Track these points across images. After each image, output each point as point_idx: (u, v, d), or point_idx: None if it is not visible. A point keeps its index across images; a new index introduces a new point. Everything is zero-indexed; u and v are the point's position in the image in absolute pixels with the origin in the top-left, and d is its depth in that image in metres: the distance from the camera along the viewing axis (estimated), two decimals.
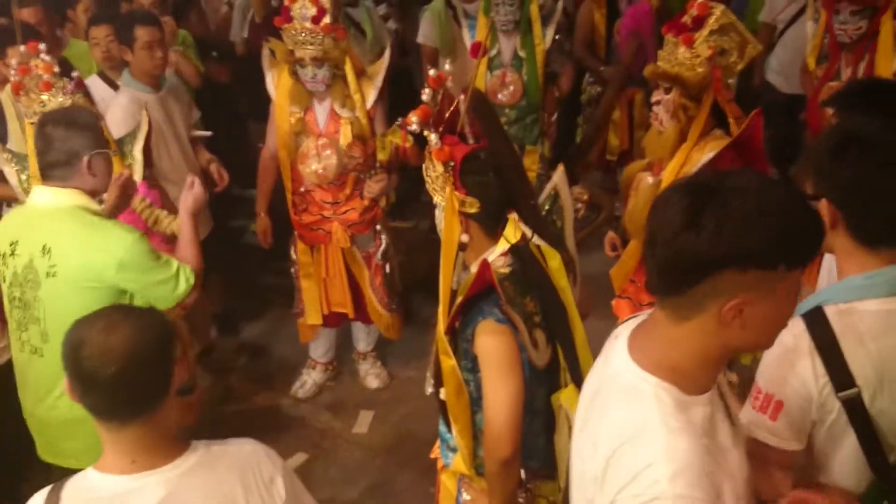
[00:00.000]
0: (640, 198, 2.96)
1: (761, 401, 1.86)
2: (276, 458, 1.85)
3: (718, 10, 2.84)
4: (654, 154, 2.97)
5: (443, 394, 2.24)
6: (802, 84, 4.03)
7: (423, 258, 4.77)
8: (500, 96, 4.57)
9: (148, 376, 1.69)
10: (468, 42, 4.66)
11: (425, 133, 2.14)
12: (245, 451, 1.82)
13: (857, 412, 1.80)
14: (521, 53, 4.56)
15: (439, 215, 2.25)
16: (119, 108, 3.72)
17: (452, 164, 2.16)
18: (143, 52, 3.82)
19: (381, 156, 3.69)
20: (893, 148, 1.77)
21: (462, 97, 2.16)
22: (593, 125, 5.12)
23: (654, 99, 2.92)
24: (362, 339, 4.31)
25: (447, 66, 2.27)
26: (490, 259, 2.17)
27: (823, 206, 1.82)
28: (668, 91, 2.87)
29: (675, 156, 2.84)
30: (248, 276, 5.16)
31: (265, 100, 3.91)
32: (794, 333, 1.80)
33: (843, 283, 1.85)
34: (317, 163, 3.72)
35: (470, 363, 2.16)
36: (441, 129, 2.16)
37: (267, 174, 3.99)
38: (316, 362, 4.31)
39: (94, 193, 2.72)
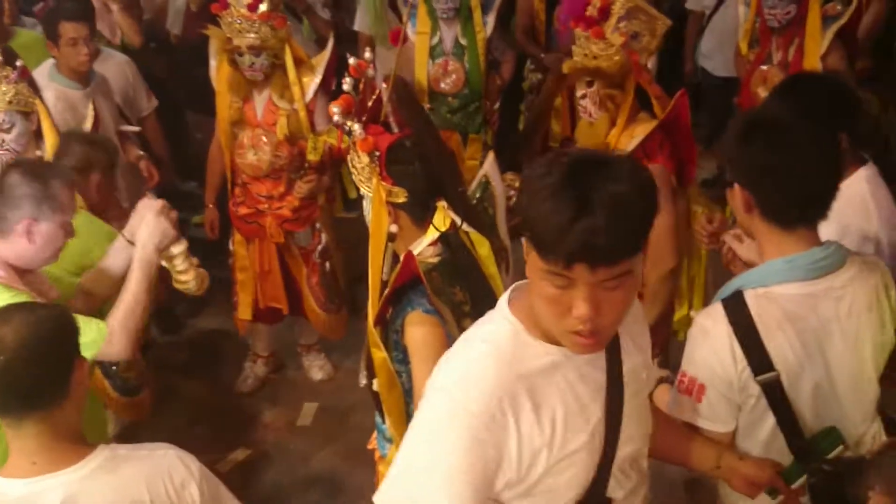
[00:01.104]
0: None
1: (686, 383, 1.90)
2: (191, 463, 1.82)
3: None
4: (588, 144, 2.99)
5: (376, 385, 2.23)
6: (736, 68, 4.09)
7: None
8: (442, 84, 4.56)
9: (39, 371, 1.65)
10: (410, 30, 4.63)
11: (348, 123, 2.13)
12: (155, 457, 1.79)
13: (776, 395, 1.84)
14: (463, 41, 4.54)
15: (367, 206, 2.24)
16: (51, 102, 3.63)
17: (377, 154, 2.15)
18: (68, 49, 3.75)
19: (312, 157, 3.65)
20: (797, 128, 1.81)
21: (384, 86, 2.15)
22: (535, 112, 5.12)
23: (579, 93, 2.94)
24: (306, 331, 4.28)
25: (367, 55, 2.25)
26: (419, 249, 2.17)
27: (737, 192, 1.86)
28: (590, 84, 2.88)
29: (606, 142, 2.86)
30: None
31: (202, 90, 3.86)
32: (714, 318, 1.84)
33: (763, 267, 1.88)
34: (252, 154, 3.68)
35: (401, 354, 2.15)
36: (364, 118, 2.15)
37: (215, 165, 3.95)
38: (257, 356, 4.27)
39: (29, 262, 2.34)
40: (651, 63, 3.00)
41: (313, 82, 3.71)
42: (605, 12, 2.86)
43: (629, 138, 2.80)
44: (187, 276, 2.49)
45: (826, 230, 1.91)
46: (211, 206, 4.05)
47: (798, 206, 1.83)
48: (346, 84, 2.14)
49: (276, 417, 4.05)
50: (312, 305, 4.00)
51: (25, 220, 2.26)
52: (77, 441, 1.73)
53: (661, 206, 2.70)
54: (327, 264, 3.99)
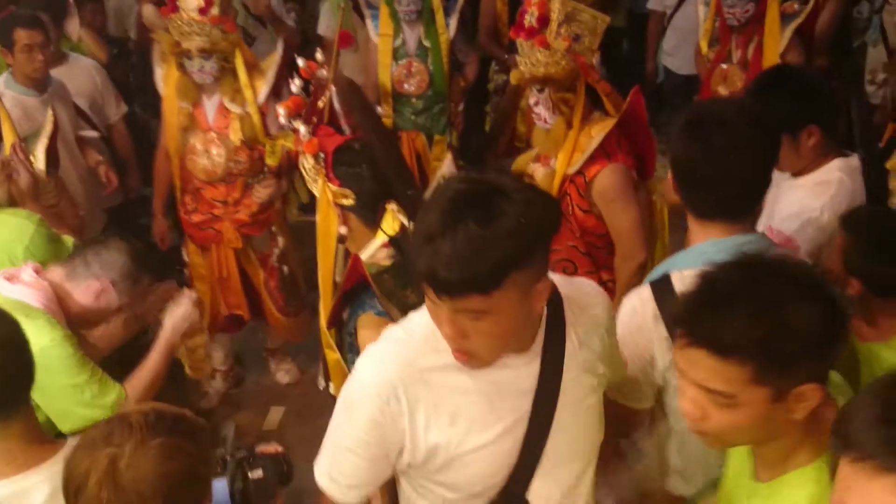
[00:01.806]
0: (538, 185, 2.96)
1: None
2: None
3: (556, 1, 2.79)
4: (547, 150, 2.97)
5: (332, 388, 2.22)
6: (696, 66, 4.12)
7: None
8: (406, 86, 4.55)
9: (27, 368, 1.68)
10: (372, 33, 4.62)
11: (294, 124, 2.12)
12: None
13: None
14: (426, 43, 4.54)
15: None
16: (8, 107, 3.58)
17: (323, 155, 2.14)
18: (22, 56, 3.70)
19: (270, 161, 3.61)
20: (731, 129, 1.82)
21: (334, 88, 2.14)
22: (500, 113, 5.14)
23: (531, 101, 2.91)
24: (271, 335, 4.25)
25: (317, 56, 2.24)
26: (371, 250, 2.16)
27: (669, 179, 1.92)
28: (541, 91, 2.86)
29: (565, 144, 2.85)
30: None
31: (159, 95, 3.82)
32: (642, 299, 1.88)
33: (690, 251, 1.92)
34: (205, 159, 3.64)
35: (354, 356, 2.13)
36: (314, 120, 2.14)
37: (161, 172, 3.90)
38: (215, 370, 4.17)
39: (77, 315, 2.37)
40: (595, 60, 3.00)
41: (265, 85, 3.68)
42: (543, 20, 2.82)
43: (587, 138, 2.81)
44: (203, 365, 2.66)
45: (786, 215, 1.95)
46: (159, 216, 4.00)
47: (715, 202, 1.88)
48: (295, 86, 2.13)
49: (242, 423, 4.01)
50: (272, 310, 3.97)
51: (107, 280, 2.37)
52: (46, 436, 1.75)
53: (625, 203, 2.76)
54: (285, 268, 3.96)
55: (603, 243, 2.88)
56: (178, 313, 2.51)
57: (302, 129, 2.10)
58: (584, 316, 1.64)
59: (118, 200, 4.33)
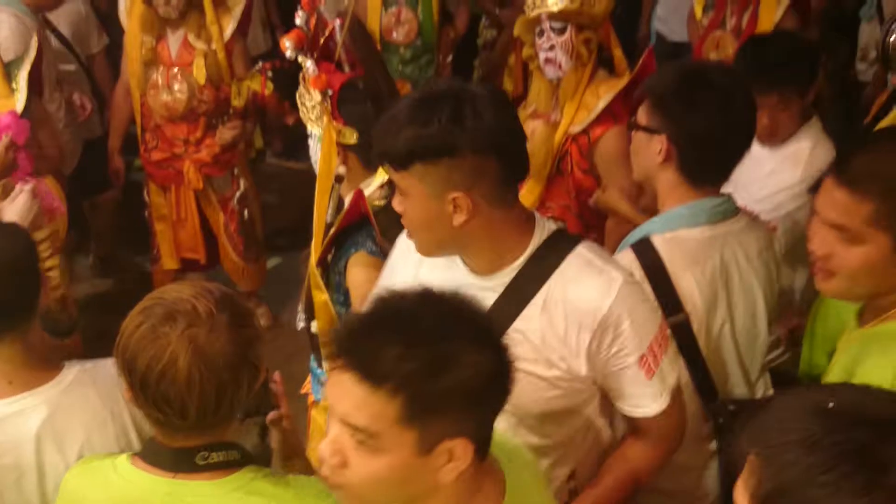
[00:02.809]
0: (536, 143, 2.86)
1: None
2: None
3: None
4: (548, 106, 2.88)
5: (314, 327, 2.21)
6: (688, 32, 4.09)
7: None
8: (394, 34, 4.49)
9: (14, 288, 1.65)
10: None
11: (300, 59, 2.09)
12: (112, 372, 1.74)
13: (685, 337, 1.90)
14: None
15: (314, 146, 2.20)
16: (6, 26, 3.44)
17: (330, 92, 2.11)
18: None
19: (236, 102, 3.57)
20: (736, 96, 1.87)
21: (338, 23, 2.10)
22: (488, 68, 5.09)
23: (547, 45, 2.77)
24: (241, 280, 4.20)
25: None
26: (367, 191, 2.14)
27: (659, 142, 1.89)
28: (562, 32, 2.75)
29: (570, 102, 2.78)
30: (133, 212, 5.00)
31: None
32: (626, 262, 1.87)
33: (667, 214, 1.95)
34: (167, 94, 3.57)
35: (342, 296, 2.14)
36: (316, 55, 2.11)
37: (119, 109, 3.84)
38: None
39: None
40: None
41: (231, 22, 3.63)
42: None
43: (594, 97, 2.75)
44: (51, 262, 2.34)
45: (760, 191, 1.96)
46: (115, 153, 3.93)
47: (720, 169, 1.95)
48: (299, 18, 2.09)
49: None
50: (230, 254, 3.93)
51: None
52: (45, 360, 1.72)
53: (628, 168, 2.70)
54: (246, 211, 3.92)
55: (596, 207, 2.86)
56: (18, 206, 2.28)
57: (309, 64, 2.07)
58: (566, 301, 1.62)
59: (97, 133, 4.24)
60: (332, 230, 2.13)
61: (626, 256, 1.91)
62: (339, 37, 2.11)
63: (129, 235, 4.76)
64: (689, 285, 1.89)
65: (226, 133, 3.66)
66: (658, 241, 1.91)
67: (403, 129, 1.51)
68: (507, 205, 1.61)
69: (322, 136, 2.13)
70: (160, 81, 3.58)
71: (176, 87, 3.57)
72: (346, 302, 2.14)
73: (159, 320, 1.42)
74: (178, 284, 1.63)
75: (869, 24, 4.29)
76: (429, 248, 1.66)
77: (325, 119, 2.11)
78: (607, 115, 2.75)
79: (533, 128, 2.96)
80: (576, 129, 2.77)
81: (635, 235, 1.97)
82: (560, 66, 2.77)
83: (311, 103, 2.14)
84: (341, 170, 2.15)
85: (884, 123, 2.85)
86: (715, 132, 1.86)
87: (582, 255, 1.63)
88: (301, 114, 2.17)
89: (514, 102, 4.97)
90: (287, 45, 2.09)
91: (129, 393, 1.48)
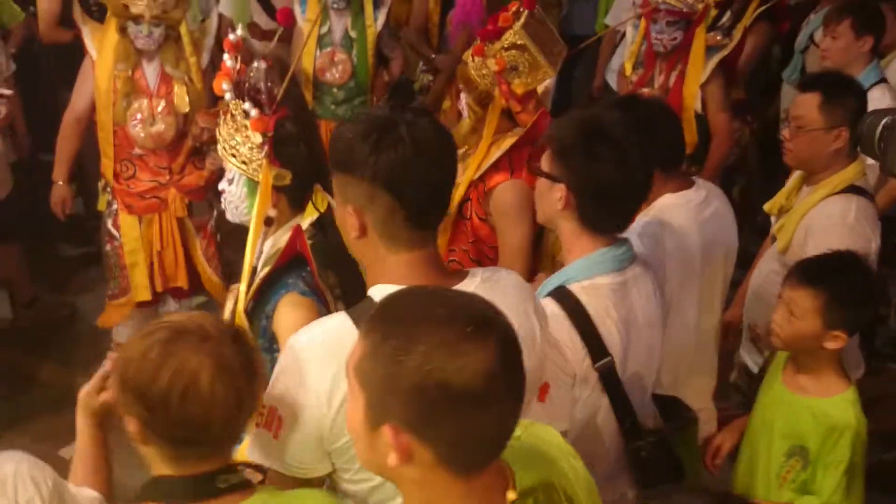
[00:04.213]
0: None
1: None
2: (41, 475, 1.63)
3: (517, 27, 2.80)
4: (460, 142, 2.93)
5: None
6: (618, 87, 4.16)
7: None
8: (328, 75, 4.47)
9: None
10: (298, 18, 4.51)
11: (236, 101, 2.06)
12: (3, 474, 1.62)
13: (611, 381, 1.96)
14: (352, 33, 4.48)
15: (233, 190, 2.15)
16: None
17: (269, 134, 2.07)
18: None
19: None
20: (634, 147, 1.93)
21: (263, 65, 2.08)
22: None
23: (461, 94, 2.94)
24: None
25: (238, 32, 2.16)
26: (304, 225, 2.13)
27: (560, 191, 1.95)
28: (467, 92, 2.90)
29: (476, 152, 2.87)
30: (50, 244, 4.86)
31: (73, 59, 3.65)
32: (550, 311, 1.88)
33: (580, 262, 1.99)
34: (152, 125, 3.51)
35: (267, 342, 2.08)
36: (250, 97, 2.09)
37: (69, 140, 3.71)
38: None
39: None
40: (547, 83, 3.03)
41: (205, 53, 3.64)
42: (498, 33, 2.85)
43: (497, 149, 2.82)
44: None
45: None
46: (61, 182, 3.79)
47: (620, 218, 2.02)
48: (229, 60, 2.06)
49: None
50: (210, 276, 3.84)
51: None
52: None
53: (518, 221, 2.78)
54: (218, 235, 3.88)
55: (493, 254, 2.88)
56: None
57: (248, 106, 2.05)
58: None
59: (12, 159, 4.16)
60: (263, 273, 2.08)
61: (550, 305, 1.92)
62: (263, 78, 2.08)
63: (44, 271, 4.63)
64: (610, 330, 1.95)
65: (216, 161, 3.56)
66: (577, 289, 1.95)
67: (342, 134, 1.59)
68: (407, 244, 1.59)
69: (260, 178, 2.08)
70: (145, 112, 3.52)
71: (162, 117, 3.53)
72: (270, 348, 2.07)
73: (168, 340, 1.42)
74: (168, 315, 1.61)
75: (792, 86, 4.42)
76: (350, 250, 1.73)
77: (264, 162, 2.07)
78: (505, 166, 2.79)
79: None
80: (477, 175, 2.83)
81: (550, 284, 2.01)
82: (461, 114, 2.94)
83: (248, 146, 2.09)
84: (272, 212, 2.11)
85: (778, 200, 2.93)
86: (611, 184, 1.91)
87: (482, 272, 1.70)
88: (221, 152, 2.12)
89: None
90: (225, 87, 2.06)
91: (138, 425, 1.45)
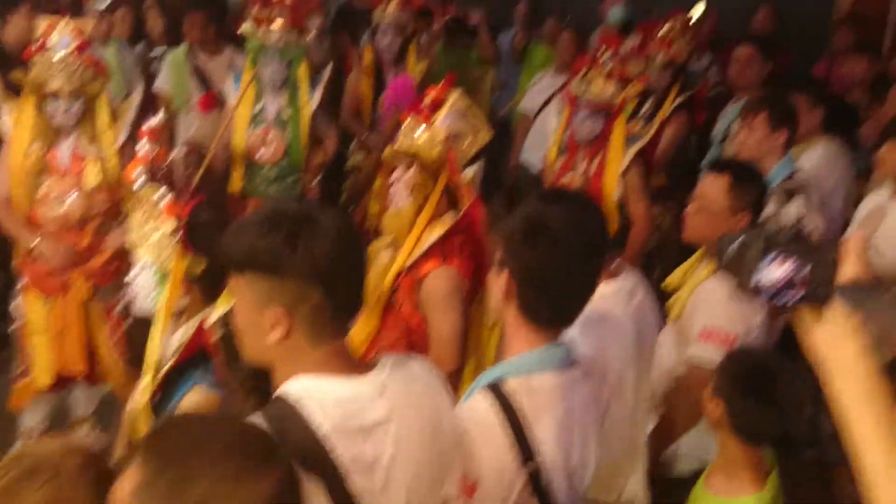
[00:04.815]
0: (376, 274, 2.96)
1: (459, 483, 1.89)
2: None
3: (455, 94, 2.96)
4: (394, 231, 3.01)
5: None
6: (544, 174, 4.27)
7: None
8: (260, 153, 4.48)
9: None
10: (231, 95, 4.55)
11: (150, 188, 2.07)
12: None
13: (539, 484, 1.88)
14: (287, 112, 4.50)
15: (143, 279, 2.14)
16: None
17: (183, 221, 2.08)
18: None
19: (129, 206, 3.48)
20: (576, 239, 1.89)
21: (183, 151, 2.11)
22: (353, 191, 5.16)
23: (393, 177, 2.97)
24: (83, 402, 3.97)
25: (160, 116, 2.19)
26: (208, 321, 2.10)
27: (503, 279, 1.92)
28: (406, 168, 2.92)
29: (410, 234, 2.89)
30: None
31: None
32: (482, 407, 1.86)
33: (519, 358, 1.94)
34: (62, 205, 3.47)
35: None
36: (165, 183, 2.10)
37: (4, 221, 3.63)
38: (32, 433, 3.84)
39: None
40: (476, 168, 3.11)
41: (123, 128, 3.60)
42: (437, 104, 2.95)
43: (431, 233, 2.84)
44: None
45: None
46: None
47: (562, 312, 1.94)
48: (144, 148, 2.08)
49: None
50: (115, 364, 3.74)
51: None
52: None
53: (449, 309, 2.77)
54: (129, 319, 3.78)
55: (425, 343, 2.86)
56: None
57: (161, 192, 2.05)
58: None
59: None
60: (168, 366, 2.06)
61: (482, 401, 1.89)
62: (181, 164, 2.11)
63: None
64: (543, 431, 1.89)
65: (117, 237, 3.52)
66: (512, 385, 1.90)
67: (244, 236, 1.55)
68: (329, 336, 1.59)
69: (173, 267, 2.07)
70: (55, 192, 3.47)
71: (70, 197, 3.48)
72: None
73: (16, 478, 1.41)
74: (54, 439, 1.59)
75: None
76: (248, 355, 1.66)
77: (177, 250, 2.07)
78: (438, 253, 2.81)
79: (381, 256, 3.03)
80: (409, 262, 2.83)
81: (486, 377, 1.96)
82: (400, 201, 2.91)
83: (158, 234, 2.09)
84: (183, 302, 2.10)
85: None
86: (554, 276, 1.89)
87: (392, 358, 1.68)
88: (140, 244, 2.12)
89: (377, 229, 5.13)
90: (136, 174, 2.07)
91: None
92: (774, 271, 1.25)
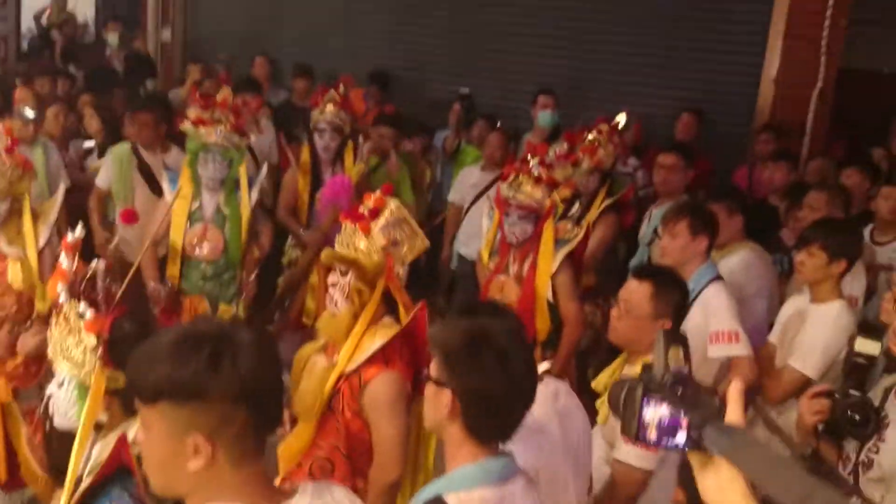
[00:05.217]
0: (313, 381, 2.95)
1: None
2: None
3: (393, 204, 3.05)
4: (330, 336, 3.02)
5: None
6: (478, 273, 4.36)
7: None
8: (198, 250, 4.50)
9: None
10: (168, 194, 4.58)
11: (70, 303, 2.07)
12: None
13: None
14: (225, 210, 4.55)
15: (60, 394, 2.11)
16: None
17: (104, 336, 2.07)
18: None
19: (41, 306, 3.44)
20: (515, 356, 1.94)
21: (101, 264, 2.11)
22: (289, 285, 5.18)
23: (330, 281, 3.00)
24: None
25: (78, 231, 2.20)
26: (130, 434, 2.07)
27: (446, 396, 1.94)
28: (344, 274, 2.95)
29: (349, 340, 2.90)
30: None
31: None
32: None
33: (460, 472, 1.97)
34: None
35: None
36: (85, 297, 2.10)
37: None
38: None
39: None
40: (403, 270, 3.17)
41: (45, 229, 3.60)
42: (375, 213, 3.03)
43: (371, 339, 2.86)
44: None
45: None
46: None
47: (507, 426, 1.99)
48: (65, 262, 2.08)
49: None
50: (33, 467, 3.62)
51: None
52: None
53: (392, 415, 2.78)
54: (48, 423, 3.68)
55: (365, 449, 2.86)
56: None
57: (82, 307, 2.05)
58: None
59: None
60: (87, 483, 2.02)
61: None
62: (101, 277, 2.11)
63: None
64: None
65: (30, 340, 3.45)
66: (452, 501, 1.90)
67: (157, 365, 1.48)
68: (250, 458, 1.56)
69: (92, 382, 2.06)
70: None
71: None
72: None
73: None
74: None
75: None
76: (160, 487, 1.60)
77: (98, 364, 2.06)
78: (380, 359, 2.83)
79: (315, 362, 3.03)
80: (350, 368, 2.84)
81: (425, 493, 1.97)
82: (336, 304, 2.94)
83: (79, 349, 2.08)
84: (103, 417, 2.08)
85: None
86: (496, 391, 1.92)
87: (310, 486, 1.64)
88: (59, 359, 2.11)
89: (316, 321, 5.12)
90: (60, 289, 2.06)
91: None
92: (651, 416, 1.30)
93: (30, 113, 5.55)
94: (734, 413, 1.32)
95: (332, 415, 2.88)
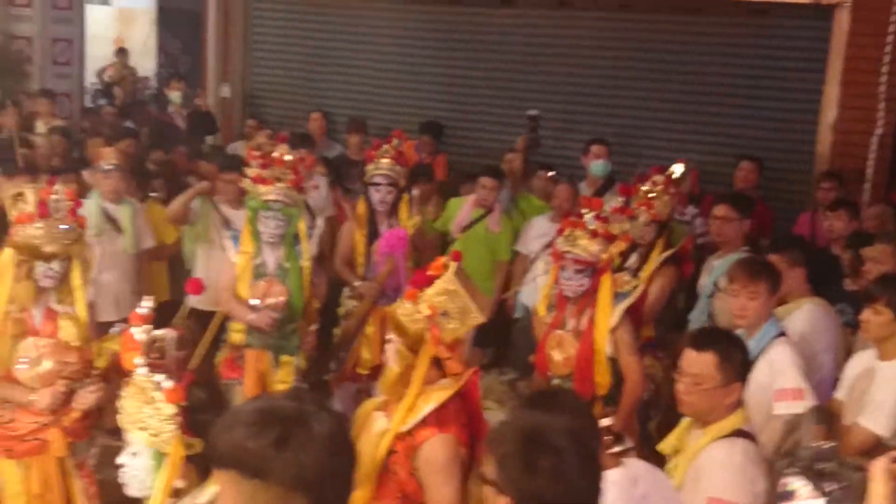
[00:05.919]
0: (370, 444, 2.93)
1: None
2: None
3: (449, 273, 2.97)
4: (386, 392, 3.04)
5: None
6: (535, 329, 4.33)
7: None
8: (265, 304, 4.54)
9: None
10: (231, 252, 4.66)
11: (147, 375, 2.10)
12: None
13: None
14: (286, 265, 4.61)
15: (136, 463, 2.14)
16: None
17: (183, 404, 2.11)
18: None
19: (99, 363, 3.51)
20: (572, 459, 1.86)
21: (170, 334, 2.15)
22: (345, 337, 5.21)
23: (387, 336, 3.01)
24: None
25: (149, 302, 2.23)
26: (202, 500, 2.09)
27: (504, 501, 1.87)
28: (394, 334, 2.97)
29: (403, 401, 2.90)
30: None
31: None
32: None
33: None
34: (38, 366, 3.49)
35: None
36: (156, 365, 2.14)
37: None
38: None
39: None
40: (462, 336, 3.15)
41: (90, 287, 3.70)
42: (429, 280, 2.98)
43: (425, 401, 2.86)
44: None
45: None
46: None
47: None
48: (139, 332, 2.13)
49: None
50: None
51: None
52: None
53: (447, 477, 2.76)
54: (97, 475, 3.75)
55: None
56: None
57: (161, 378, 2.09)
58: None
59: None
60: None
61: None
62: (172, 346, 2.15)
63: None
64: None
65: (87, 396, 3.54)
66: None
67: (232, 433, 1.52)
68: None
69: (171, 450, 2.09)
70: (33, 353, 3.49)
71: (46, 357, 3.50)
72: None
73: None
74: None
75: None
76: None
77: (176, 433, 2.09)
78: (434, 421, 2.83)
79: (374, 419, 3.02)
80: (404, 428, 2.84)
81: None
82: (390, 362, 2.96)
83: (155, 419, 2.11)
84: (180, 483, 2.11)
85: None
86: (551, 497, 1.85)
87: None
88: (126, 429, 2.14)
89: (373, 371, 5.14)
90: (138, 363, 2.10)
91: None
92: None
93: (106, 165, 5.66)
94: (882, 485, 1.32)
95: (388, 476, 2.88)
